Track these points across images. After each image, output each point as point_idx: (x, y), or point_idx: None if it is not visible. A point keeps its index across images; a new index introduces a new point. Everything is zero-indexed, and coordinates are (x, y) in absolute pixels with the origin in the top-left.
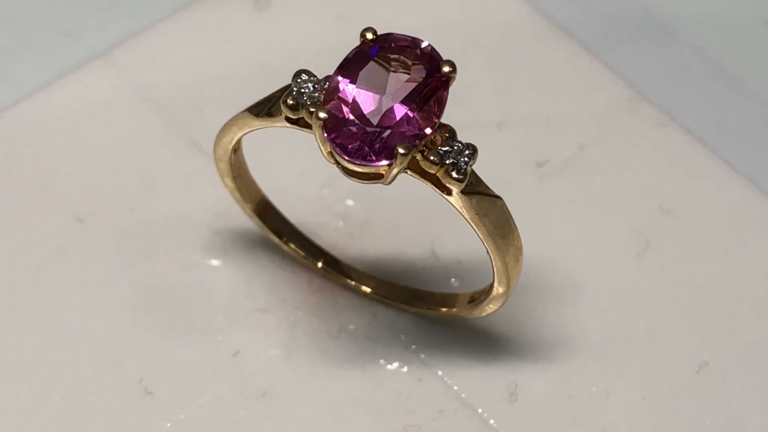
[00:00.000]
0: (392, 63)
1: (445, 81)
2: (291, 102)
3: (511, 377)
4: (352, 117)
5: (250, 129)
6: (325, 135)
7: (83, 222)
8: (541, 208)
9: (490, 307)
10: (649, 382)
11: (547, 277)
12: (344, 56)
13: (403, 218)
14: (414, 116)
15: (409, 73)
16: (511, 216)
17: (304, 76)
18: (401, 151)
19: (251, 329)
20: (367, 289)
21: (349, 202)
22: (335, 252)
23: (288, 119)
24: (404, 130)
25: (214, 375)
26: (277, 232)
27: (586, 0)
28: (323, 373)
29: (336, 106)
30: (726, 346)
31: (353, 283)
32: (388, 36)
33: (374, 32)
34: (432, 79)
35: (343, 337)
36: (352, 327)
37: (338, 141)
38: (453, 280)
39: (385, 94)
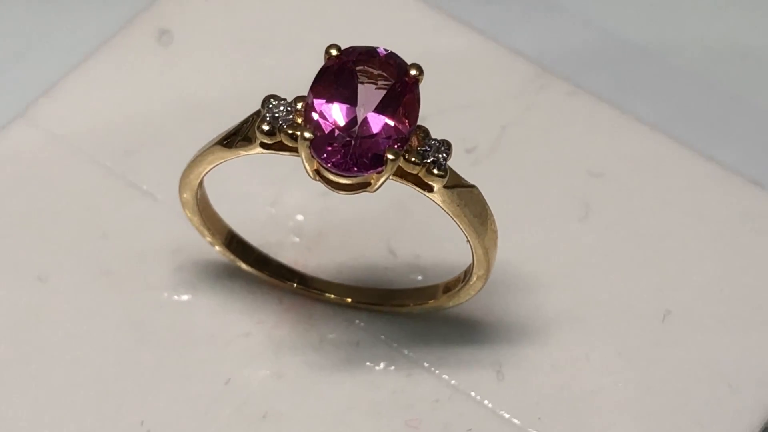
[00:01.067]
0: (361, 74)
1: (414, 83)
2: (267, 128)
3: (493, 358)
4: (336, 132)
5: (221, 161)
6: (312, 153)
7: (46, 281)
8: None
9: (468, 294)
10: (621, 338)
11: (502, 257)
12: (315, 75)
13: (354, 224)
14: (394, 122)
15: (378, 82)
16: (486, 202)
17: (274, 101)
18: (390, 157)
19: (237, 355)
20: (348, 300)
21: (299, 217)
22: (300, 267)
23: (263, 145)
24: (388, 136)
25: (213, 406)
26: (246, 260)
27: None
28: (316, 384)
29: (316, 124)
30: (682, 292)
31: (332, 296)
32: (351, 50)
33: (338, 48)
34: (400, 83)
35: (325, 347)
36: (332, 336)
37: (325, 157)
38: (416, 275)
39: (359, 105)
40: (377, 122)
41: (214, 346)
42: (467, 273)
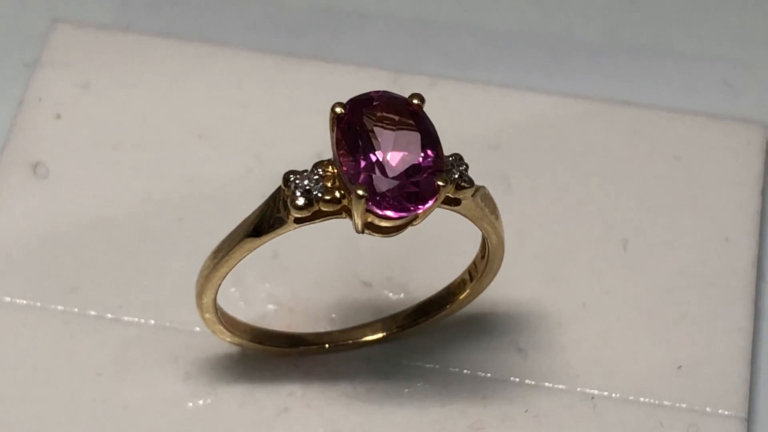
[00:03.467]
0: (375, 120)
1: (418, 109)
2: (302, 201)
3: (509, 342)
4: (385, 180)
5: (249, 252)
6: (368, 207)
7: None
8: None
9: (487, 281)
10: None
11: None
12: (330, 139)
13: (315, 271)
14: (431, 153)
15: (395, 121)
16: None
17: (295, 176)
18: (441, 184)
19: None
20: (382, 334)
21: (266, 285)
22: (301, 329)
23: (297, 220)
24: (428, 166)
25: None
26: (279, 345)
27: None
28: (374, 428)
29: (364, 179)
30: (632, 219)
31: (367, 339)
32: (352, 102)
33: (342, 105)
34: (413, 117)
35: (360, 390)
36: (359, 378)
37: (380, 209)
38: (399, 294)
39: (392, 148)
40: (415, 158)
41: None
42: (481, 263)
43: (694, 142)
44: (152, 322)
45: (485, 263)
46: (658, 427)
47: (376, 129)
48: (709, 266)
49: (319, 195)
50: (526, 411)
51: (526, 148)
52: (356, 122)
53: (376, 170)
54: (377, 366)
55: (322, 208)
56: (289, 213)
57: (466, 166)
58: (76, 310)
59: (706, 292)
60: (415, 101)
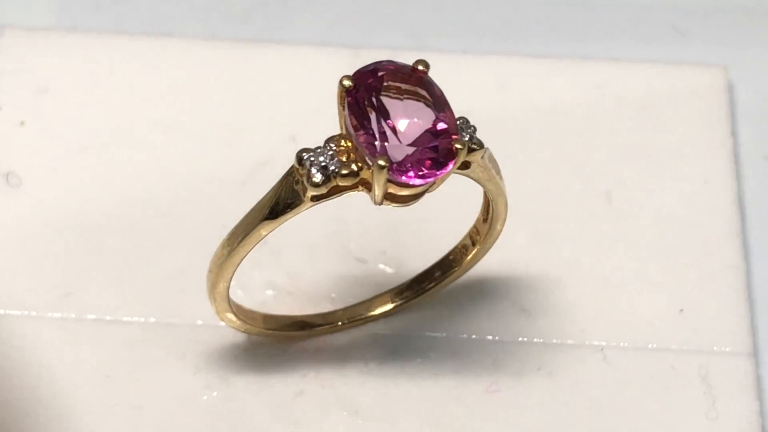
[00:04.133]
0: (384, 88)
1: (424, 75)
2: (319, 177)
3: (513, 303)
4: (401, 147)
5: (265, 236)
6: (391, 176)
7: None
8: None
9: (490, 243)
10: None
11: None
12: (340, 113)
13: (307, 253)
14: (446, 116)
15: (406, 90)
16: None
17: (308, 153)
18: (459, 147)
19: (307, 413)
20: (391, 305)
21: (262, 272)
22: (303, 311)
23: (315, 198)
24: (442, 130)
25: None
26: (288, 329)
27: None
28: (390, 406)
29: (382, 149)
30: (610, 172)
31: (374, 312)
32: (358, 74)
33: (350, 78)
34: (415, 81)
35: (372, 366)
36: (370, 355)
37: (402, 177)
38: (391, 268)
39: (406, 116)
40: (436, 122)
41: (279, 417)
42: (485, 223)
43: (658, 90)
44: (153, 319)
45: (488, 226)
46: (669, 371)
47: (385, 99)
48: (692, 209)
49: (336, 170)
50: (539, 369)
51: (495, 111)
52: (365, 94)
53: (392, 139)
54: (385, 341)
55: (340, 183)
56: (305, 191)
57: (474, 128)
58: (74, 315)
59: (694, 235)
60: (420, 67)
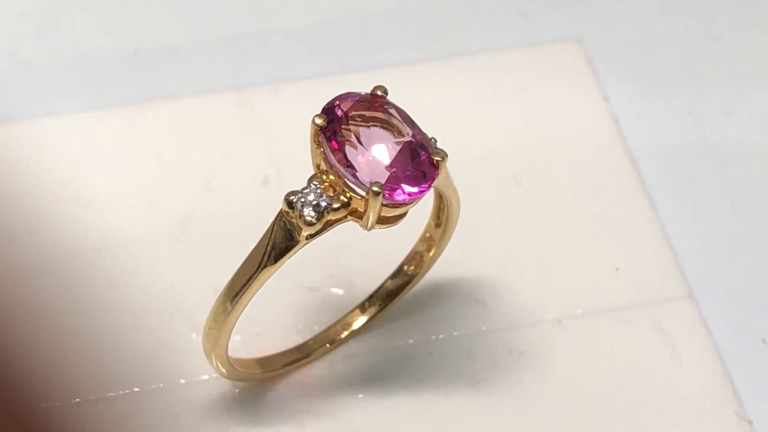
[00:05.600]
0: (353, 119)
1: (384, 98)
2: (313, 215)
3: (466, 297)
4: (387, 171)
5: (265, 282)
6: (384, 201)
7: None
8: None
9: (443, 246)
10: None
11: None
12: (313, 151)
13: (264, 295)
14: (411, 135)
15: (367, 117)
16: None
17: (296, 196)
18: (438, 159)
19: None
20: (369, 316)
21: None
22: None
23: (309, 237)
24: (418, 145)
25: None
26: (279, 366)
27: None
28: (393, 417)
29: (369, 175)
30: (511, 155)
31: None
32: (326, 111)
33: (321, 116)
34: (378, 106)
35: (358, 387)
36: (352, 378)
37: (395, 196)
38: (343, 289)
39: (382, 141)
40: (410, 140)
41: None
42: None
43: (529, 72)
44: (137, 389)
45: (442, 229)
46: (626, 328)
47: (357, 128)
48: (594, 175)
49: (327, 205)
50: (510, 352)
51: None
52: (337, 128)
53: (376, 165)
54: (363, 360)
55: (331, 218)
56: (300, 231)
57: (435, 139)
58: (58, 404)
59: (603, 198)
60: (380, 92)
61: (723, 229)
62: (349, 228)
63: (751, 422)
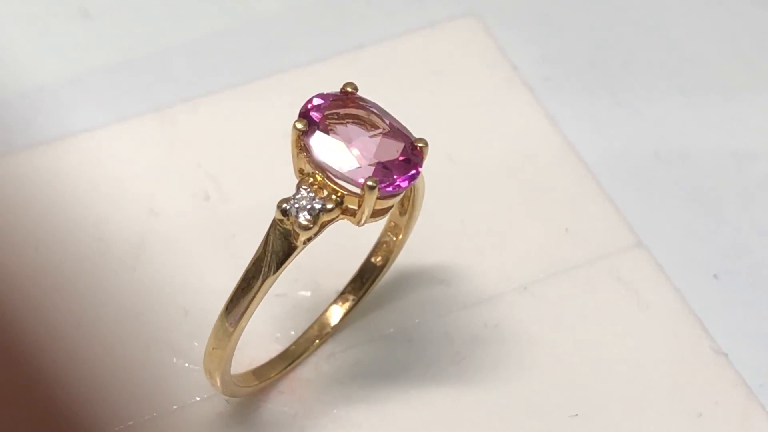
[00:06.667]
0: (330, 119)
1: (355, 94)
2: (307, 218)
3: (430, 279)
4: (376, 164)
5: (269, 288)
6: (380, 194)
7: None
8: None
9: (409, 233)
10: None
11: None
12: (295, 156)
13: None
14: (390, 124)
15: (342, 115)
16: None
17: (288, 204)
18: (421, 145)
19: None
20: (344, 312)
21: (197, 342)
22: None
23: (307, 240)
24: (398, 135)
25: None
26: (275, 372)
27: None
28: (390, 407)
29: (361, 171)
30: (441, 136)
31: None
32: (303, 115)
33: (301, 120)
34: (352, 102)
35: (348, 384)
36: (340, 376)
37: (390, 187)
38: (311, 291)
39: (363, 135)
40: (389, 130)
41: None
42: (402, 216)
43: (436, 51)
44: (131, 422)
45: (408, 216)
46: (589, 282)
47: (336, 127)
48: (519, 142)
49: (321, 206)
50: (485, 326)
51: None
52: (317, 129)
53: (364, 159)
54: (346, 358)
55: (325, 219)
56: (297, 237)
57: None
58: None
59: (537, 163)
60: (349, 89)
61: (651, 175)
62: None
63: (726, 354)
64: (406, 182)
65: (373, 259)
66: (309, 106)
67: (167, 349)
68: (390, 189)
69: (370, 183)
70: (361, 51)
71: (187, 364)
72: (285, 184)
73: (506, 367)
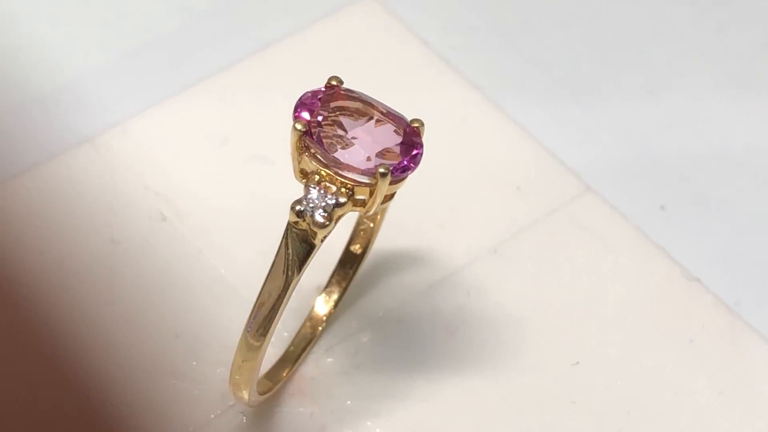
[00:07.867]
0: (325, 114)
1: (340, 87)
2: (324, 216)
3: (406, 257)
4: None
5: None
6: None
7: None
8: None
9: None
10: None
11: None
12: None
13: (218, 322)
14: (382, 110)
15: (332, 108)
16: None
17: (301, 205)
18: (417, 125)
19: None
20: (332, 304)
21: (194, 362)
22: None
23: (324, 237)
24: (393, 119)
25: None
26: (285, 373)
27: None
28: (398, 389)
29: (370, 160)
30: None
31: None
32: (299, 114)
33: (300, 121)
34: (339, 95)
35: (353, 374)
36: (345, 367)
37: (401, 171)
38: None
39: (360, 125)
40: (383, 116)
41: None
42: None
43: (347, 37)
44: None
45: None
46: (553, 233)
47: (334, 121)
48: (450, 113)
49: (334, 202)
50: (468, 294)
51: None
52: (314, 128)
53: (368, 148)
54: (344, 348)
55: (339, 213)
56: (315, 235)
57: None
58: None
59: (467, 127)
60: (334, 83)
61: (575, 122)
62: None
63: (698, 279)
64: (413, 163)
65: (352, 248)
66: (301, 105)
67: (168, 373)
68: (400, 173)
69: (382, 170)
70: (271, 48)
71: (191, 384)
72: (238, 189)
73: (501, 329)
